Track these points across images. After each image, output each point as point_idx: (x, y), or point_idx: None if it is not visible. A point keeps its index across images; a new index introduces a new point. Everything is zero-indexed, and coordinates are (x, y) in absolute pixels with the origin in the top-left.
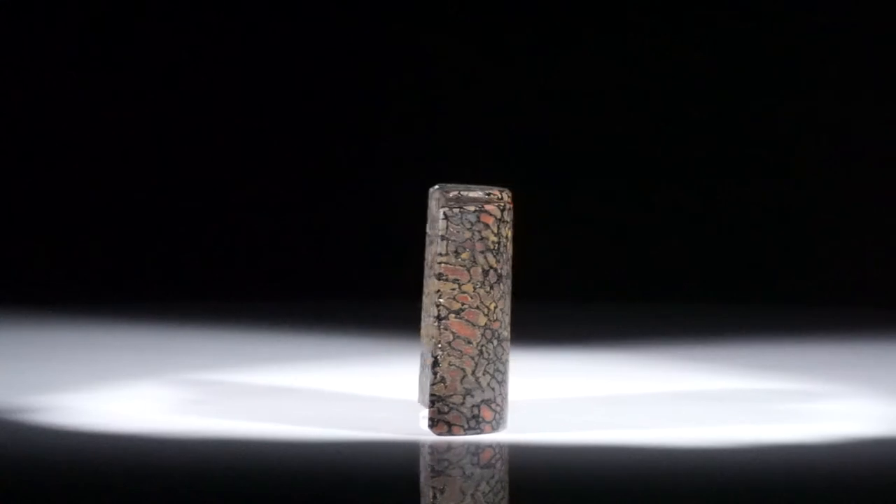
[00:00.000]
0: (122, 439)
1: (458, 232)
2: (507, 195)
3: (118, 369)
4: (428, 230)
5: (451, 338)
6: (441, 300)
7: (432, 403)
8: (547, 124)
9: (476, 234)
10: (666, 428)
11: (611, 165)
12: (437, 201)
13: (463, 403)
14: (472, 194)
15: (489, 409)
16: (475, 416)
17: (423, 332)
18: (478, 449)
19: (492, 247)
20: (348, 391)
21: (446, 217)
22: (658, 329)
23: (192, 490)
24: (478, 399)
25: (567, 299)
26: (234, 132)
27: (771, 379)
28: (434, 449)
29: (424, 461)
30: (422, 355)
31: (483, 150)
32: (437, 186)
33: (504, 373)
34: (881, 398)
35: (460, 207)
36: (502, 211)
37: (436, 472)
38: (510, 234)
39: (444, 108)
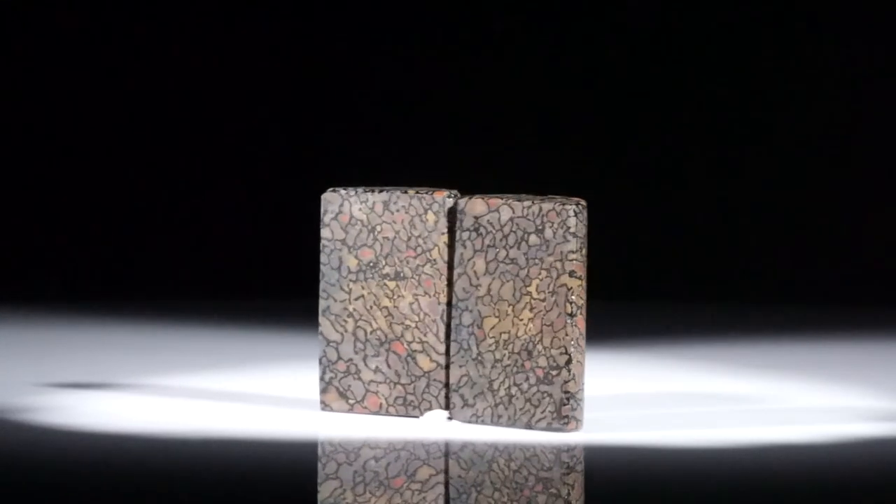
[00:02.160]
0: (119, 439)
1: (581, 230)
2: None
3: (116, 369)
4: (328, 236)
5: (577, 334)
6: (573, 297)
7: (567, 401)
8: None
9: (586, 229)
10: (666, 429)
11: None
12: (495, 205)
13: (581, 399)
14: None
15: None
16: (582, 410)
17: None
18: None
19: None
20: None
21: (576, 214)
22: (658, 328)
23: (187, 490)
24: (583, 394)
25: None
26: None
27: (771, 379)
28: (568, 448)
29: (552, 458)
30: (327, 360)
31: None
32: (331, 190)
33: None
34: (881, 398)
35: (579, 205)
36: None
37: (569, 470)
38: None
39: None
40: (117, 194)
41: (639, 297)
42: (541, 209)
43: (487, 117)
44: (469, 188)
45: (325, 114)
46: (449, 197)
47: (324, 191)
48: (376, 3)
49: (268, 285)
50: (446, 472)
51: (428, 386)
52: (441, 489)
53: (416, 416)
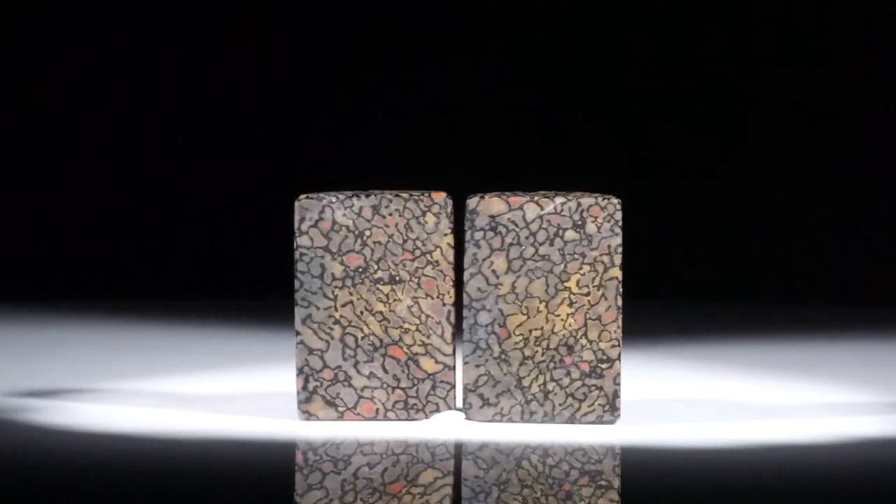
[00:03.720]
0: (120, 439)
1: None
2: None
3: (116, 369)
4: (307, 243)
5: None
6: (621, 290)
7: (618, 394)
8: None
9: None
10: (666, 428)
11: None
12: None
13: None
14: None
15: None
16: None
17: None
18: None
19: None
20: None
21: (620, 209)
22: (658, 328)
23: (188, 490)
24: None
25: None
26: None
27: (771, 378)
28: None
29: (602, 451)
30: (310, 369)
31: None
32: (302, 196)
33: None
34: (880, 398)
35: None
36: None
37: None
38: None
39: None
40: (114, 195)
41: (637, 297)
42: (580, 204)
43: (465, 120)
44: (445, 189)
45: (304, 117)
46: (448, 198)
47: (294, 194)
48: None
49: (266, 285)
50: (457, 472)
51: (434, 388)
52: (448, 491)
53: (419, 420)
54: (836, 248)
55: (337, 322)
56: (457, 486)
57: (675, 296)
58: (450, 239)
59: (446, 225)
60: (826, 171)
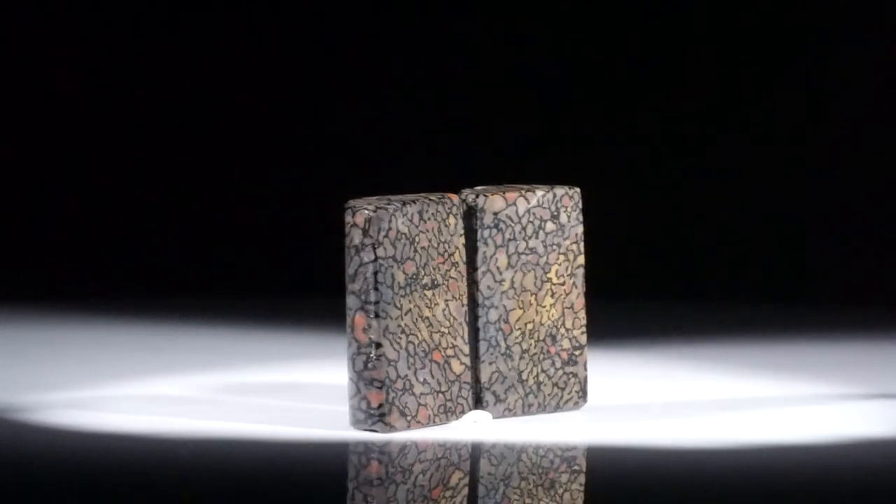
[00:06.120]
0: (123, 439)
1: None
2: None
3: (117, 369)
4: (383, 254)
5: None
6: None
7: (587, 380)
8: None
9: None
10: (664, 428)
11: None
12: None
13: None
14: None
15: None
16: None
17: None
18: None
19: None
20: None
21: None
22: (657, 327)
23: (192, 490)
24: None
25: None
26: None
27: (771, 378)
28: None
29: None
30: (389, 380)
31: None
32: (352, 202)
33: None
34: (881, 398)
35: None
36: None
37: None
38: None
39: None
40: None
41: (638, 296)
42: (555, 195)
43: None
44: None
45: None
46: (462, 198)
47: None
48: None
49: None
50: (473, 472)
51: (460, 389)
52: (474, 490)
53: (455, 422)
54: (832, 247)
55: (403, 331)
56: (473, 485)
57: (674, 296)
58: (463, 239)
59: (461, 226)
60: (822, 168)
